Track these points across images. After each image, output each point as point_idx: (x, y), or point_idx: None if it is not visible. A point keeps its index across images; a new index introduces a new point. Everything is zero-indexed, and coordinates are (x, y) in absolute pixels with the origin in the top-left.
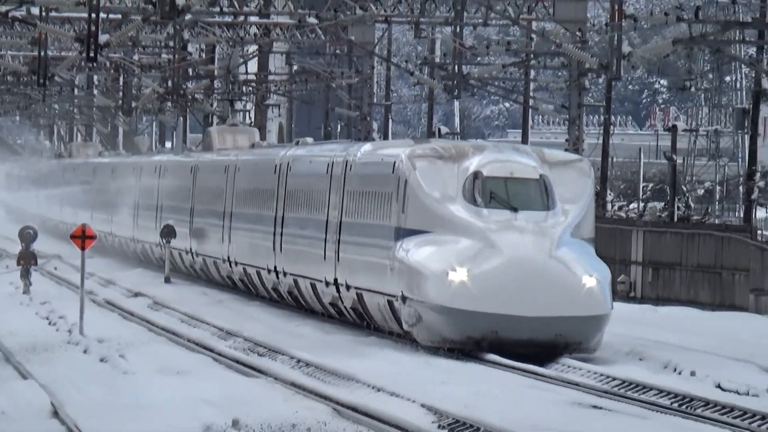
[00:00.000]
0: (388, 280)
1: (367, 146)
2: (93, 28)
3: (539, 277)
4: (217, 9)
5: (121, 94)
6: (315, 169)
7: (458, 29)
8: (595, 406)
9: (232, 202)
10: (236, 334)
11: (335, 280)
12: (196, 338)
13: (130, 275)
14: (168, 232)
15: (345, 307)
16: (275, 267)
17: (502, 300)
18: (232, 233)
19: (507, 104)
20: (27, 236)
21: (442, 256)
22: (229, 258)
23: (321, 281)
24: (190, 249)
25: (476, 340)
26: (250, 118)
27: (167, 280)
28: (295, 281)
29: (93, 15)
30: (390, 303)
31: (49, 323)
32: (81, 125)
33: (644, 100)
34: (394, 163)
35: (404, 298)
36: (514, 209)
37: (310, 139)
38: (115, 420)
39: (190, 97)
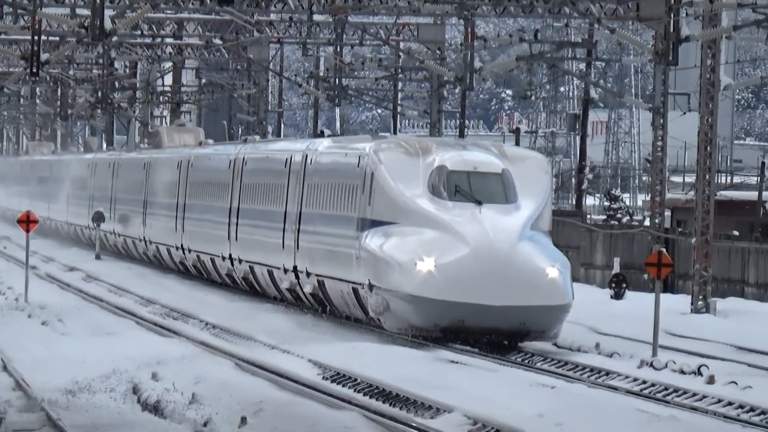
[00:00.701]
0: (353, 269)
1: (327, 141)
2: (36, 48)
3: (504, 268)
4: (139, 32)
5: (59, 103)
6: (272, 164)
7: (338, 48)
8: (452, 361)
9: (185, 195)
10: (155, 302)
11: (294, 267)
12: (121, 305)
13: (67, 253)
14: (98, 218)
15: (304, 292)
16: (230, 255)
17: (468, 289)
18: (186, 223)
19: (379, 111)
20: None
21: (409, 247)
22: (182, 246)
23: (279, 268)
24: (144, 237)
25: (443, 328)
26: (165, 122)
27: (97, 257)
28: (251, 268)
29: (36, 37)
30: (355, 291)
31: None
32: (26, 129)
33: (493, 107)
34: (360, 157)
35: (371, 287)
36: (478, 202)
37: (257, 137)
38: (55, 373)
39: (116, 105)
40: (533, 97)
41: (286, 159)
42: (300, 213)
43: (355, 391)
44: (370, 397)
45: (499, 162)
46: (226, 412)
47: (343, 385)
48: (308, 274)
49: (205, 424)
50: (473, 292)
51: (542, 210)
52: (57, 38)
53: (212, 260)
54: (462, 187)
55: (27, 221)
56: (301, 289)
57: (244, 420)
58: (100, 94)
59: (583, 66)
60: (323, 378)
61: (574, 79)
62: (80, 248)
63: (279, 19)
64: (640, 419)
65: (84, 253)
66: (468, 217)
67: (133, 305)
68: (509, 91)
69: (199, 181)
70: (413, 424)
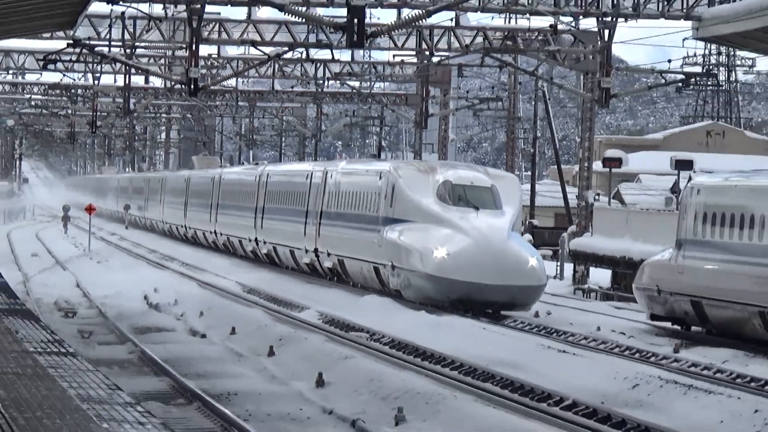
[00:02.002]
0: (375, 253)
1: (343, 163)
2: (94, 118)
3: (499, 257)
4: (148, 110)
5: (106, 147)
6: (294, 177)
7: (251, 120)
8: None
9: (218, 199)
10: (155, 251)
11: (315, 249)
12: (139, 253)
13: (117, 228)
14: (126, 207)
15: (322, 267)
16: (255, 238)
17: (473, 272)
18: (219, 216)
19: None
20: (66, 208)
21: (427, 238)
22: (215, 231)
23: (301, 249)
24: (185, 225)
25: (453, 300)
26: (161, 160)
27: (126, 228)
28: (274, 248)
29: (94, 112)
30: (376, 269)
31: (75, 246)
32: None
33: (333, 152)
34: (381, 173)
35: (393, 267)
36: (476, 207)
37: (266, 162)
38: (102, 288)
39: (136, 149)
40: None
41: (307, 174)
42: (321, 211)
43: (260, 298)
44: (271, 301)
45: (487, 179)
46: (192, 310)
47: (257, 295)
48: (329, 255)
49: (181, 315)
50: (477, 274)
51: (517, 216)
52: (105, 113)
53: (240, 241)
54: (463, 196)
55: (90, 209)
56: (320, 264)
57: (201, 313)
58: (127, 142)
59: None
60: (243, 290)
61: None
62: (135, 229)
63: (221, 104)
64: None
65: (133, 230)
66: (469, 218)
67: (147, 254)
68: (340, 142)
69: (228, 190)
70: (288, 315)
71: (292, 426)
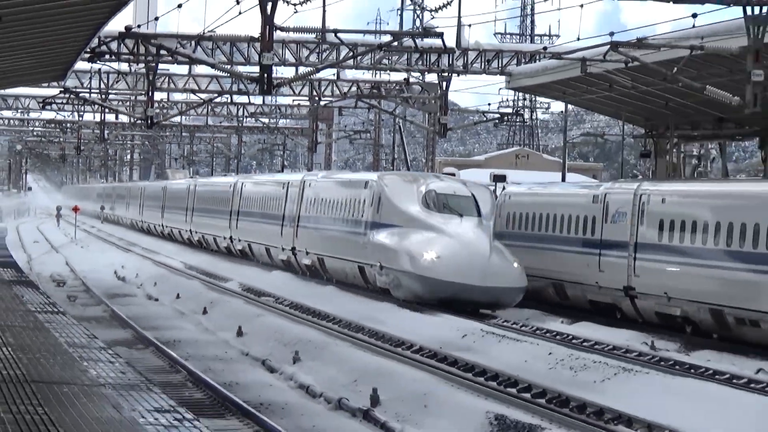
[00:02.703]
0: (361, 253)
1: (322, 173)
2: (103, 129)
3: (485, 261)
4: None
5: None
6: (270, 186)
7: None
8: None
9: (194, 203)
10: (122, 239)
11: (293, 247)
12: (111, 240)
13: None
14: (102, 207)
15: (299, 263)
16: (231, 236)
17: (461, 273)
18: (194, 217)
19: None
20: (58, 208)
21: (418, 242)
22: (190, 230)
23: (277, 247)
24: (162, 225)
25: (441, 300)
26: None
27: (102, 222)
28: (249, 245)
29: (103, 126)
30: (361, 268)
31: (65, 235)
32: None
33: None
34: (367, 182)
35: (381, 267)
36: (460, 215)
37: (233, 173)
38: (85, 265)
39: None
40: None
41: (284, 183)
42: (299, 215)
43: (197, 272)
44: (205, 275)
45: (468, 189)
46: (148, 281)
47: (195, 271)
48: (307, 253)
49: (140, 285)
50: (465, 276)
51: (493, 223)
52: (87, 140)
53: (214, 239)
54: (447, 204)
55: (75, 209)
56: (297, 261)
57: (155, 284)
58: (102, 162)
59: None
60: (185, 267)
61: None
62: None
63: (170, 134)
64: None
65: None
66: (455, 224)
67: (117, 241)
68: (255, 162)
69: (203, 196)
70: (217, 285)
71: (219, 364)
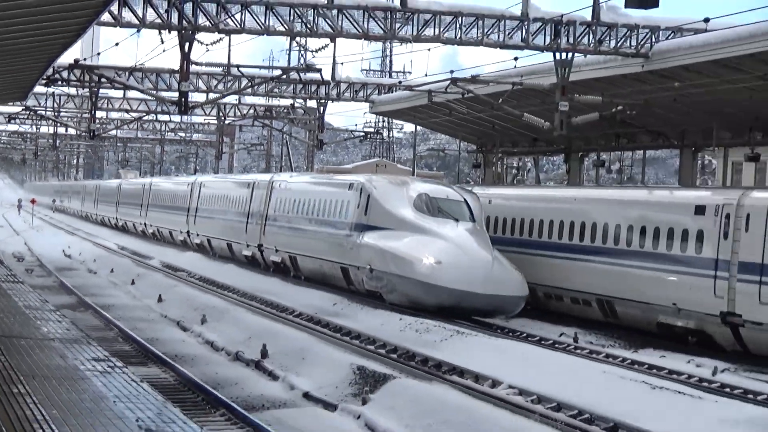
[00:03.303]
0: (344, 255)
1: (287, 174)
2: (55, 141)
3: (489, 268)
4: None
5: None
6: (233, 185)
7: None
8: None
9: (149, 200)
10: (69, 225)
11: (260, 245)
12: (60, 226)
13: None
14: (53, 200)
15: (265, 260)
16: (188, 231)
17: (466, 281)
18: (149, 212)
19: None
20: (19, 201)
21: (417, 247)
22: (145, 224)
23: (241, 243)
24: (116, 218)
25: (443, 306)
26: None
27: (53, 212)
28: (208, 240)
29: (56, 137)
30: (344, 269)
31: (24, 222)
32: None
33: None
34: (352, 184)
35: (372, 270)
36: (455, 219)
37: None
38: (44, 248)
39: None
40: None
41: (249, 183)
42: (267, 214)
43: (127, 252)
44: (133, 254)
45: (459, 193)
46: (89, 258)
47: (126, 251)
48: (276, 251)
49: (82, 262)
50: (469, 283)
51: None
52: (43, 147)
53: (170, 232)
54: (442, 208)
55: (33, 201)
56: (263, 257)
57: (95, 260)
58: (55, 165)
59: None
60: (118, 248)
61: (192, 163)
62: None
63: (108, 144)
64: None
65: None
66: (451, 229)
67: (64, 226)
68: (174, 167)
69: (158, 194)
70: (143, 262)
71: (143, 324)
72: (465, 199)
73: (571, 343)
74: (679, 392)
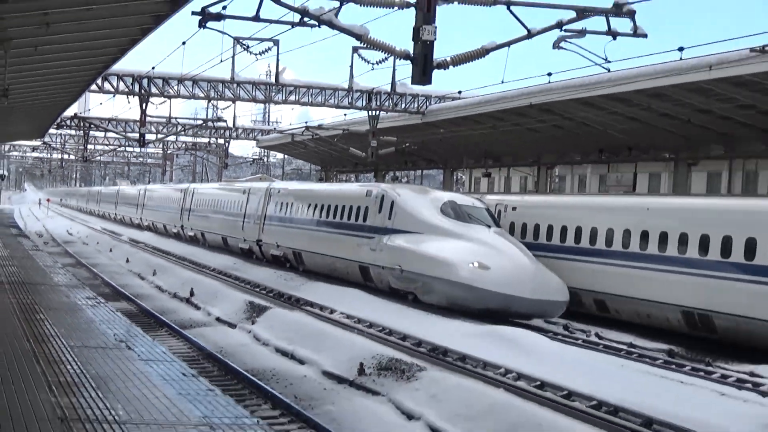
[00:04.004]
0: (364, 255)
1: (283, 182)
2: (86, 153)
3: (534, 272)
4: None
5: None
6: (229, 192)
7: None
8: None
9: (144, 201)
10: (72, 214)
11: (259, 240)
12: (66, 215)
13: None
14: (61, 199)
15: (264, 254)
16: (182, 226)
17: (513, 285)
18: (144, 211)
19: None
20: (41, 199)
21: (461, 251)
22: (141, 219)
23: (238, 238)
24: (115, 213)
25: (490, 310)
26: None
27: (61, 206)
28: (202, 233)
29: (87, 150)
30: (364, 268)
31: (43, 213)
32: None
33: None
34: (370, 191)
35: (402, 271)
36: (488, 225)
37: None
38: (53, 227)
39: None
40: None
41: (245, 190)
42: (265, 215)
43: (117, 235)
44: (112, 233)
45: (479, 201)
46: (86, 237)
47: (117, 234)
48: (278, 246)
49: (79, 238)
50: (516, 287)
51: None
52: (56, 168)
53: (164, 226)
54: (472, 215)
55: (48, 200)
56: (261, 251)
57: (87, 236)
58: (62, 177)
59: None
60: (104, 232)
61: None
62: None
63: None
64: None
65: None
66: (487, 233)
67: (69, 215)
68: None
69: (152, 197)
70: (134, 242)
71: (117, 276)
72: (486, 207)
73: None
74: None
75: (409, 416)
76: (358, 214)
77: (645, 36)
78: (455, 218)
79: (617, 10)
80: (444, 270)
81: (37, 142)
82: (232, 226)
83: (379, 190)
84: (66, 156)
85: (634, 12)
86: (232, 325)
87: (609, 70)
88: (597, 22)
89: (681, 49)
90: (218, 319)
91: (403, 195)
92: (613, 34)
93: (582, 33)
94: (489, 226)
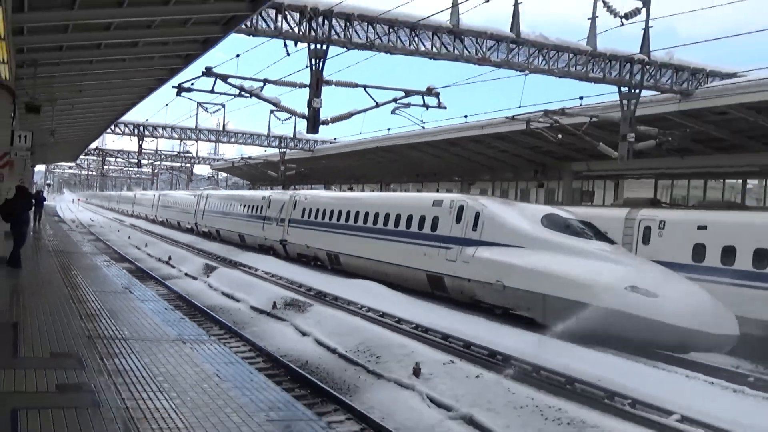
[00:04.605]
0: (441, 265)
1: (306, 191)
2: (102, 169)
3: (710, 300)
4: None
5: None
6: (248, 198)
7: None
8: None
9: (158, 203)
10: (95, 209)
11: (283, 240)
12: (89, 209)
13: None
14: (87, 199)
15: (288, 250)
16: (195, 223)
17: (695, 318)
18: (159, 210)
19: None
20: (74, 199)
21: (597, 270)
22: (156, 215)
23: (257, 236)
24: (132, 211)
25: (659, 346)
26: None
27: (87, 204)
28: (217, 231)
29: (103, 165)
30: (436, 277)
31: (77, 207)
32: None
33: None
34: (441, 200)
35: (504, 287)
36: (610, 241)
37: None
38: (82, 218)
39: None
40: None
41: (265, 197)
42: (289, 218)
43: (127, 225)
44: (131, 225)
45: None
46: (107, 226)
47: (135, 225)
48: (308, 246)
49: (99, 225)
50: (700, 320)
51: None
52: (90, 177)
53: (178, 222)
54: (584, 229)
55: (78, 200)
56: (285, 249)
57: (110, 227)
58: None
59: None
60: (126, 223)
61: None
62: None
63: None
64: None
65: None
66: (618, 252)
67: (92, 210)
68: None
69: (167, 200)
70: (150, 233)
71: (123, 247)
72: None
73: None
74: None
75: (303, 333)
76: (424, 222)
77: (445, 108)
78: (564, 232)
79: (428, 92)
80: (586, 293)
81: (71, 163)
82: (252, 226)
83: (455, 199)
84: (90, 172)
85: (438, 93)
86: (194, 278)
87: (424, 127)
88: (417, 99)
89: (466, 116)
90: (186, 274)
91: (490, 206)
92: (426, 106)
93: (408, 105)
94: (611, 242)
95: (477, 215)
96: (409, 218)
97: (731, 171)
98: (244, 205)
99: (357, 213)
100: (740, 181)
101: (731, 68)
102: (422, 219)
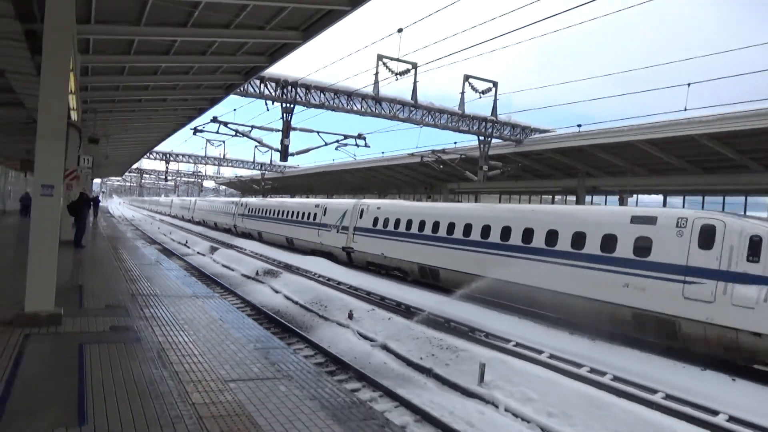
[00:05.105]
0: (672, 305)
1: (374, 200)
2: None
3: None
4: None
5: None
6: (299, 206)
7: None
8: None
9: (195, 206)
10: (132, 207)
11: (348, 247)
12: (132, 210)
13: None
14: (131, 201)
15: (352, 258)
16: (234, 225)
17: None
18: (195, 212)
19: None
20: (119, 202)
21: None
22: (198, 219)
23: (314, 242)
24: (170, 212)
25: None
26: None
27: (129, 205)
28: (259, 233)
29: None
30: (667, 321)
31: (122, 209)
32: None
33: None
34: (677, 219)
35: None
36: None
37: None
38: (125, 213)
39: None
40: None
41: (319, 204)
42: (355, 227)
43: (165, 222)
44: (169, 224)
45: None
46: (145, 221)
47: (163, 221)
48: (385, 256)
49: (141, 221)
50: None
51: None
52: (126, 188)
53: (215, 223)
54: None
55: (123, 203)
56: (349, 256)
57: (146, 221)
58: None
59: None
60: (156, 219)
61: None
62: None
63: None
64: None
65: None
66: None
67: (126, 208)
68: None
69: (203, 205)
70: (183, 228)
71: (155, 233)
72: None
73: None
74: None
75: (276, 291)
76: (615, 244)
77: (369, 146)
78: None
79: (359, 136)
80: None
81: (119, 178)
82: (305, 231)
83: (691, 217)
84: (132, 184)
85: (365, 137)
86: (203, 255)
87: (355, 159)
88: (351, 140)
89: (383, 152)
90: (198, 252)
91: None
92: (357, 145)
93: (345, 144)
94: None
95: (758, 243)
96: (584, 236)
97: (544, 190)
98: (294, 212)
99: (486, 227)
100: (550, 196)
101: (546, 126)
102: (611, 239)
